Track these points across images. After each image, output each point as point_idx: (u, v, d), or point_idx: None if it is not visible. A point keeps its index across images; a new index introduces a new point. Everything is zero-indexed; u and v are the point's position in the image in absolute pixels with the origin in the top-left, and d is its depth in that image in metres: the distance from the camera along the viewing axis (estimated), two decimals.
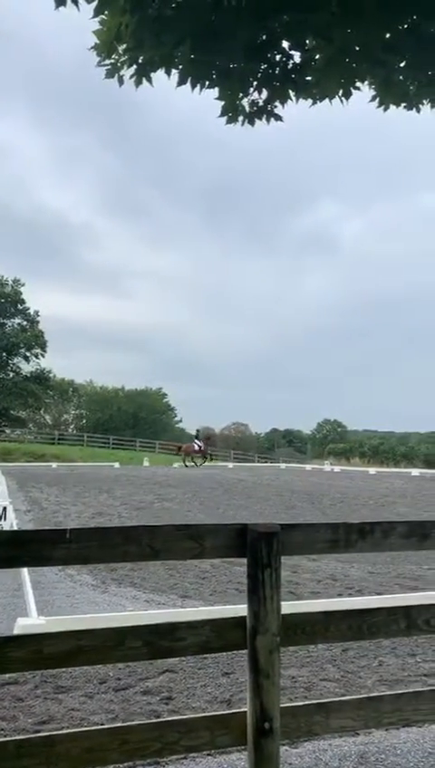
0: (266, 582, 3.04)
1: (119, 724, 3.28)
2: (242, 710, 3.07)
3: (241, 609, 3.10)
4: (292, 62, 3.50)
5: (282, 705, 3.05)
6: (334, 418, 79.45)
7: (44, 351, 55.92)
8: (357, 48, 3.29)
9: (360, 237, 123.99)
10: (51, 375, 57.80)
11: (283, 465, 41.65)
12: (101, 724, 3.72)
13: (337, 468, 37.87)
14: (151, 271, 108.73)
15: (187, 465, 36.82)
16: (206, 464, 37.94)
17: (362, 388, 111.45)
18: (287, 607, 4.93)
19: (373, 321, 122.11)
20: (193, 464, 37.50)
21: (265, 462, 51.43)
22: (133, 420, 64.35)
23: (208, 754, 3.45)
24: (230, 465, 41.34)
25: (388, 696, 3.34)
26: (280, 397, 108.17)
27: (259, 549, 3.05)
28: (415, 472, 32.33)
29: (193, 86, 3.40)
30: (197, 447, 38.60)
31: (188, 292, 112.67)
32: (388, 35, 3.33)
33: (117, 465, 36.64)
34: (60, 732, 3.06)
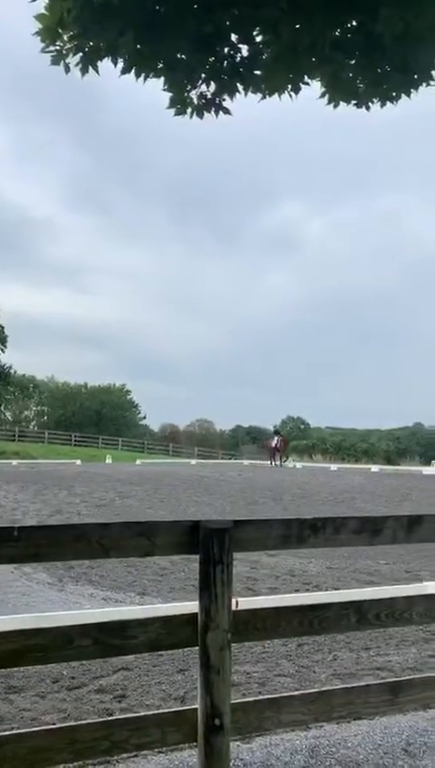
0: (218, 579, 3.04)
1: (66, 724, 3.25)
2: (193, 707, 3.07)
3: (193, 606, 3.10)
4: (240, 55, 3.49)
5: (233, 702, 3.06)
6: (298, 415, 79.98)
7: (4, 347, 54.97)
8: (305, 44, 3.30)
9: (322, 236, 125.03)
10: (11, 371, 56.90)
11: (246, 462, 41.73)
12: (53, 724, 3.68)
13: (299, 465, 38.10)
14: (115, 267, 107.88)
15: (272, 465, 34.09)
16: (275, 466, 34.05)
17: (325, 385, 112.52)
18: (242, 603, 4.94)
19: (336, 319, 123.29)
20: (275, 463, 34.61)
21: (230, 458, 51.54)
22: (96, 417, 63.85)
23: (160, 752, 3.44)
24: (193, 461, 41.29)
25: (338, 690, 3.38)
26: (244, 394, 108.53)
27: (211, 545, 3.05)
28: (375, 468, 32.72)
29: (138, 76, 3.36)
30: (274, 445, 35.45)
31: (152, 289, 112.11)
32: (337, 33, 3.35)
33: (79, 462, 36.27)
34: (6, 732, 3.01)
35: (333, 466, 35.42)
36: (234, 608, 4.86)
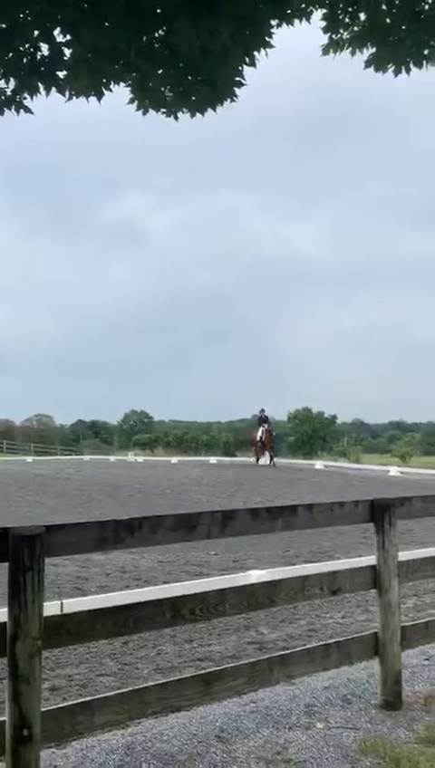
0: (28, 586, 2.97)
1: None
2: (0, 719, 2.97)
3: (2, 615, 3.01)
4: (40, 53, 3.41)
5: (44, 709, 3.01)
6: (141, 409, 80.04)
7: None
8: (106, 48, 3.29)
9: (165, 231, 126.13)
10: None
11: (86, 458, 41.07)
12: None
13: (140, 459, 38.19)
14: None
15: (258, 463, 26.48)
16: (264, 463, 26.78)
17: (168, 378, 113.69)
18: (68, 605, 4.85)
19: (178, 313, 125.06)
20: (264, 460, 26.63)
21: (69, 455, 50.41)
22: None
23: None
24: (30, 458, 39.89)
25: (153, 687, 3.44)
26: (86, 387, 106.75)
27: (21, 553, 2.98)
28: (213, 460, 33.67)
29: None
30: (259, 438, 27.16)
31: None
32: (143, 40, 3.37)
33: None
34: None
35: (174, 459, 35.91)
36: (58, 611, 4.80)
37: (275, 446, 27.78)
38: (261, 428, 27.04)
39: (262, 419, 27.71)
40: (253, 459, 28.20)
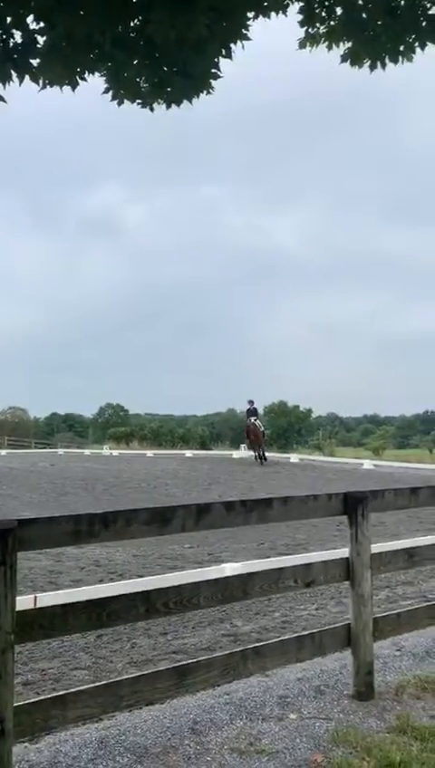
0: (0, 581, 2.95)
1: None
2: None
3: None
4: (13, 41, 3.36)
5: (17, 704, 2.99)
6: (117, 402, 79.79)
7: None
8: (81, 37, 3.25)
9: (141, 223, 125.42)
10: None
11: (61, 451, 40.77)
12: None
13: (116, 452, 37.98)
14: None
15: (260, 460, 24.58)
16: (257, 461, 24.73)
17: (144, 371, 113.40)
18: (28, 601, 4.82)
19: (155, 307, 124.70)
20: (259, 457, 24.74)
21: (43, 448, 49.98)
22: None
23: None
24: (3, 452, 39.46)
25: (126, 680, 3.44)
26: (62, 380, 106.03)
27: None
28: (189, 453, 33.63)
29: None
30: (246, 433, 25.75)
31: None
32: (118, 30, 3.34)
33: None
34: None
35: (149, 453, 35.80)
36: (31, 605, 4.76)
37: (262, 440, 25.43)
38: (251, 420, 25.30)
39: (249, 412, 25.90)
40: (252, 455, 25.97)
